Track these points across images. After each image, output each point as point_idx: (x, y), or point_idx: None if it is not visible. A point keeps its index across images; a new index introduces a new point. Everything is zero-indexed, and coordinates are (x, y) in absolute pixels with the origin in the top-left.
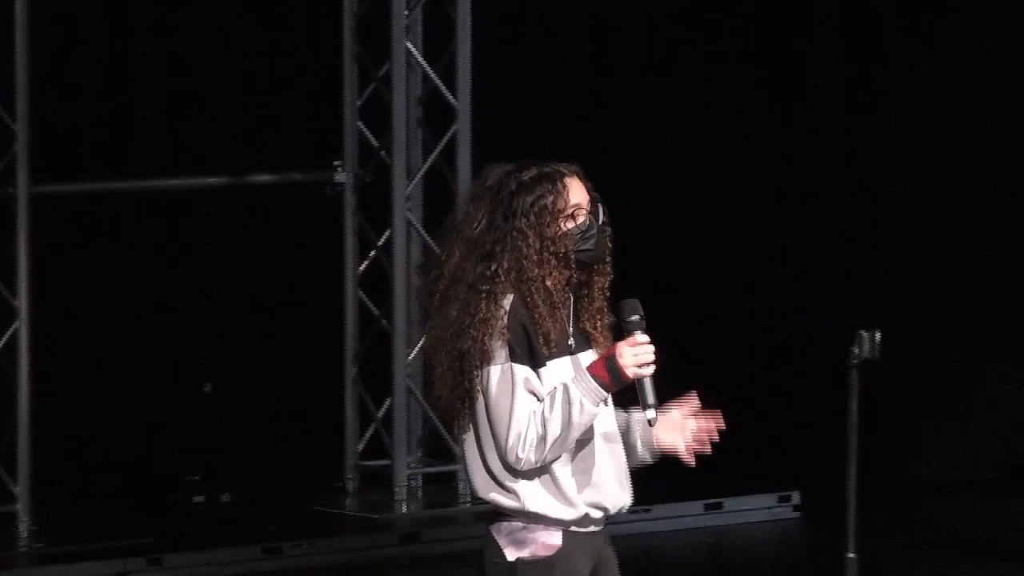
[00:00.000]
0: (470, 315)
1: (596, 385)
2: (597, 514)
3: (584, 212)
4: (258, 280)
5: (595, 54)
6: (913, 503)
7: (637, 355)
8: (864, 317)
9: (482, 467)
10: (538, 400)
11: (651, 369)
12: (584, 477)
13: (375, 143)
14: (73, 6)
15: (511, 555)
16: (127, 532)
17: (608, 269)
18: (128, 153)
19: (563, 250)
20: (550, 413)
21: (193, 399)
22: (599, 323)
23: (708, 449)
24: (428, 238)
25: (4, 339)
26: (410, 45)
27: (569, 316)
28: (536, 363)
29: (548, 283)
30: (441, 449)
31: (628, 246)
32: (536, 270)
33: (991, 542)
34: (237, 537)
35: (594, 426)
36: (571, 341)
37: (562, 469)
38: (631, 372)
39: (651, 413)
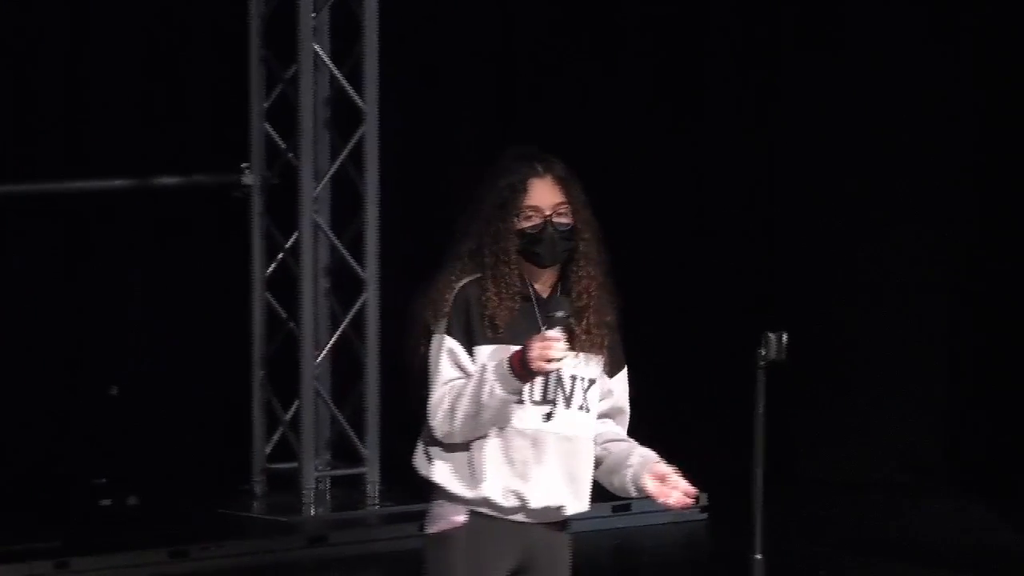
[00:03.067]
0: (432, 290)
1: (509, 373)
2: (511, 501)
3: (539, 216)
4: (165, 283)
5: (503, 56)
6: (819, 504)
7: (543, 349)
8: (771, 319)
9: (421, 435)
10: (465, 376)
11: (555, 365)
12: (508, 464)
13: (282, 145)
14: None
15: (427, 529)
16: (33, 535)
17: (589, 273)
18: (31, 155)
19: (510, 246)
20: (465, 389)
21: (99, 402)
22: (584, 322)
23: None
24: (336, 240)
25: None
26: (317, 47)
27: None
28: (471, 341)
29: (501, 273)
30: (348, 452)
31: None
32: (490, 258)
33: (897, 543)
34: (144, 540)
35: (532, 418)
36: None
37: (480, 450)
38: (535, 365)
39: (545, 408)
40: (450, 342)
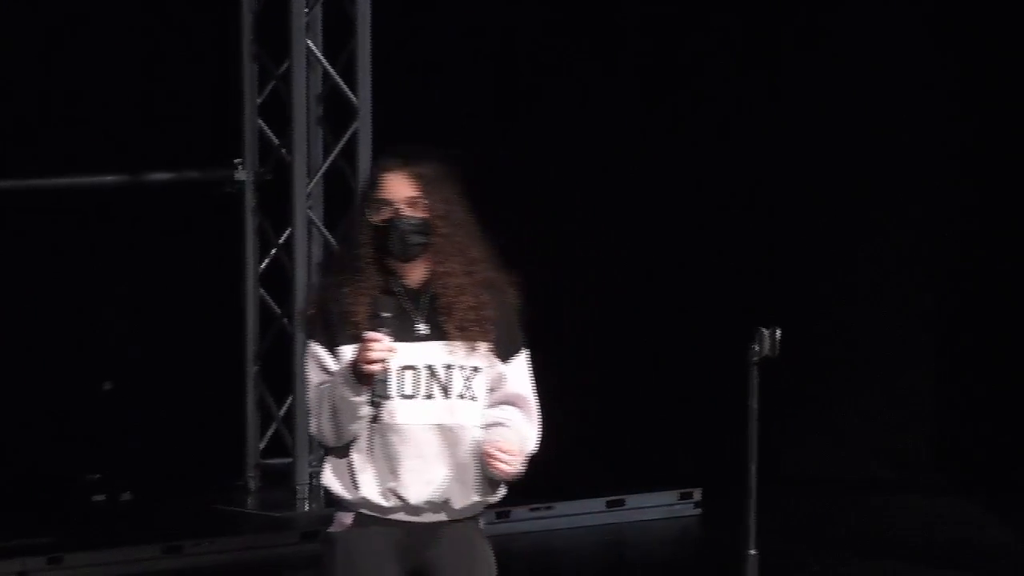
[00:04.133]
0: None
1: (351, 376)
2: (389, 500)
3: (389, 209)
4: (158, 279)
5: (500, 52)
6: (810, 501)
7: (364, 351)
8: (764, 315)
9: None
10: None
11: (376, 367)
12: (381, 462)
13: (275, 141)
14: None
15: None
16: (26, 531)
17: (448, 268)
18: (23, 151)
19: (364, 239)
20: (324, 394)
21: (93, 397)
22: (453, 318)
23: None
24: (329, 236)
25: None
26: (310, 43)
27: (420, 305)
28: (333, 342)
29: (356, 266)
30: None
31: (527, 245)
32: (348, 252)
33: (886, 539)
34: (137, 536)
35: (411, 414)
36: (421, 327)
37: (357, 451)
38: (361, 368)
39: (368, 409)
40: (314, 347)
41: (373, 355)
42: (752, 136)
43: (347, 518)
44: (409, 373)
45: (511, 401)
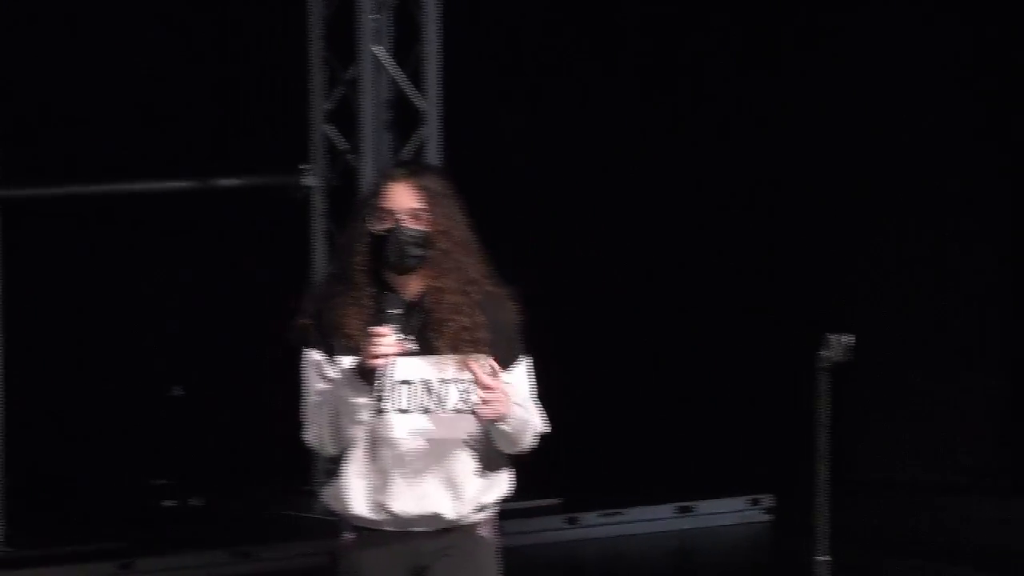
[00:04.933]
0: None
1: (355, 376)
2: (379, 515)
3: (392, 219)
4: (226, 284)
5: (562, 54)
6: (880, 506)
7: (370, 345)
8: (834, 320)
9: None
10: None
11: (383, 361)
12: (372, 477)
13: (343, 146)
14: (40, 9)
15: None
16: (98, 536)
17: (442, 282)
18: (96, 157)
19: (362, 248)
20: (324, 401)
21: (163, 403)
22: (444, 335)
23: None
24: None
25: None
26: (378, 48)
27: (412, 319)
28: (332, 351)
29: (351, 275)
30: None
31: (597, 250)
32: (344, 262)
33: (959, 545)
34: (206, 541)
35: (400, 427)
36: (409, 342)
37: (348, 467)
38: (367, 362)
39: (365, 413)
40: (313, 354)
41: (379, 350)
42: (808, 136)
43: (347, 534)
44: (404, 387)
45: None
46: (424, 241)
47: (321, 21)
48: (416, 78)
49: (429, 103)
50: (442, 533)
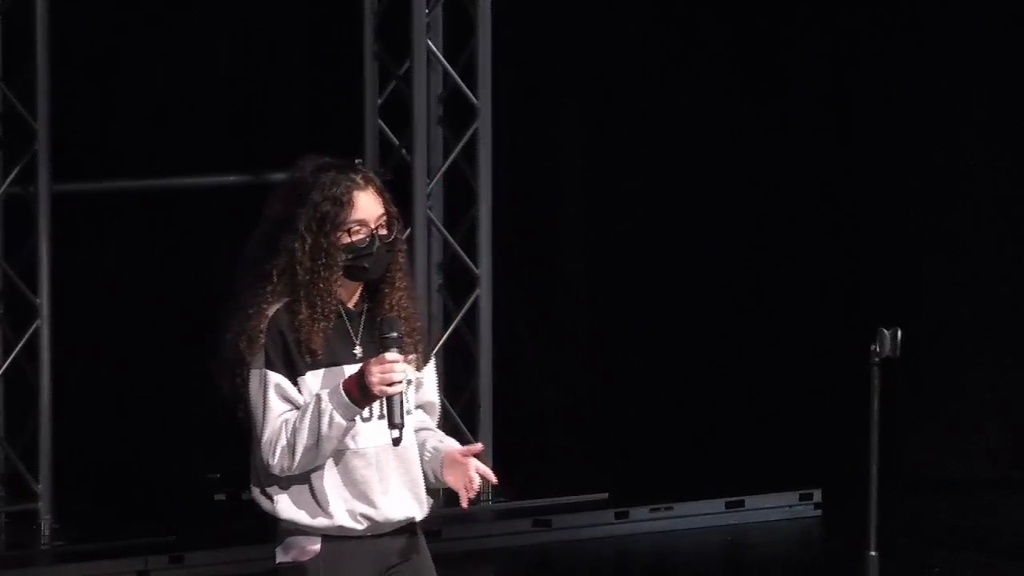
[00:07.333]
0: (240, 312)
1: (347, 400)
2: (361, 523)
3: (366, 229)
4: None
5: (614, 53)
6: (932, 502)
7: (383, 373)
8: (888, 315)
9: (252, 468)
10: (293, 408)
11: (397, 388)
12: (348, 487)
13: (396, 141)
14: (94, 6)
15: (278, 558)
16: (148, 530)
17: (401, 284)
18: (148, 151)
19: (335, 262)
20: (301, 423)
21: (213, 396)
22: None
23: (474, 494)
24: (448, 236)
25: (25, 337)
26: (430, 43)
27: (359, 326)
28: (295, 371)
29: (317, 291)
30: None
31: (651, 246)
32: (306, 276)
33: (1010, 541)
34: (258, 535)
35: (372, 437)
36: (357, 350)
37: (319, 478)
38: (376, 390)
39: (395, 432)
40: (274, 377)
41: (396, 376)
42: (859, 132)
43: (312, 545)
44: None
45: (424, 408)
46: (392, 246)
47: (374, 16)
48: (469, 73)
49: (482, 98)
50: (405, 533)
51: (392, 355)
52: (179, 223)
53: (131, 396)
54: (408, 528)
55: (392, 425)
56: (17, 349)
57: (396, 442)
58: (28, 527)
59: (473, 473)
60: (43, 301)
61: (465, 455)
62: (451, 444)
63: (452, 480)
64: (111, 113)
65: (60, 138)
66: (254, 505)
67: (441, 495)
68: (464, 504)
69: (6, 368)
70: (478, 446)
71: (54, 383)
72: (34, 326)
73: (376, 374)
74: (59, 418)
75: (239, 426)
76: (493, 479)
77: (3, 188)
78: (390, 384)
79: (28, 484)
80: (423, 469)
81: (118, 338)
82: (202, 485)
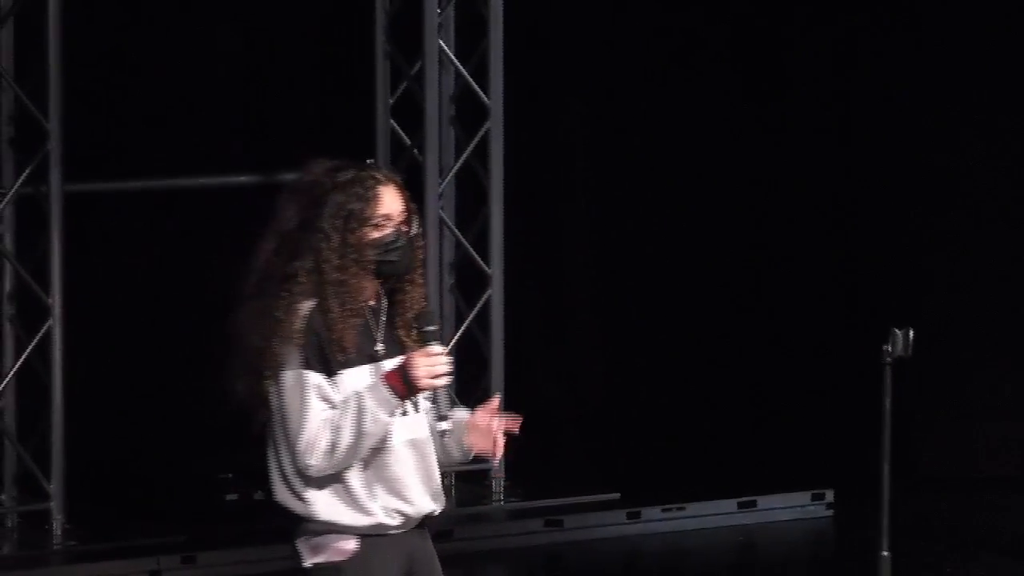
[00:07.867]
0: (268, 315)
1: (389, 395)
2: (396, 519)
3: (393, 224)
4: None
5: (615, 53)
6: (943, 501)
7: (430, 366)
8: (900, 315)
9: (278, 470)
10: (332, 407)
11: (444, 381)
12: (380, 484)
13: (407, 141)
14: (105, 7)
15: (307, 560)
16: (160, 530)
17: (420, 280)
18: (160, 151)
19: (365, 258)
20: (342, 421)
21: (226, 396)
22: (414, 332)
23: (500, 453)
24: (460, 236)
25: (37, 337)
26: (442, 43)
27: (379, 323)
28: (330, 370)
29: (346, 288)
30: None
31: (660, 246)
32: (335, 274)
33: (1022, 542)
34: (270, 535)
35: (397, 433)
36: (379, 347)
37: (354, 476)
38: (424, 383)
39: (444, 424)
40: (313, 377)
41: (442, 369)
42: (864, 131)
43: (348, 544)
44: None
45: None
46: (417, 241)
47: (385, 16)
48: (481, 73)
49: (493, 98)
50: (423, 528)
51: (437, 347)
52: (191, 223)
53: (143, 396)
54: (423, 523)
55: (440, 417)
56: (29, 349)
57: (444, 434)
58: (40, 527)
59: (498, 434)
60: (55, 301)
61: (484, 417)
62: (461, 414)
63: (478, 443)
64: (123, 113)
65: (72, 138)
66: (276, 507)
67: (453, 494)
68: (495, 462)
69: (18, 368)
70: (494, 401)
71: (66, 383)
72: (46, 326)
73: (422, 367)
74: (71, 418)
75: (251, 426)
76: (515, 428)
77: (15, 188)
78: (436, 377)
79: (40, 484)
80: (447, 450)
81: (130, 338)
82: (214, 485)
